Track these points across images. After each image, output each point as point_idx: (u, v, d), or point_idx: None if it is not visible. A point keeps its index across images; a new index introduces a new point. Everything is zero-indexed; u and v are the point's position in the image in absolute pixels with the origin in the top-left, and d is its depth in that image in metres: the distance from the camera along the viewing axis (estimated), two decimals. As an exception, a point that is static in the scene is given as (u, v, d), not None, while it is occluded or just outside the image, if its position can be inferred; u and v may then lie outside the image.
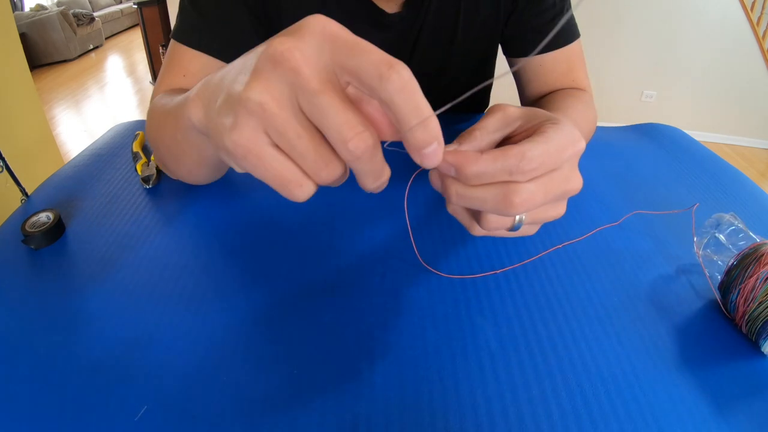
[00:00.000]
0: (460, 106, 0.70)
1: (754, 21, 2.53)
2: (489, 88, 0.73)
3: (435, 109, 0.22)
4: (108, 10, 5.43)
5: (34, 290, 0.38)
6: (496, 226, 0.28)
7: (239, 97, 0.21)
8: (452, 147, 0.28)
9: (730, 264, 0.35)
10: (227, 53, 0.49)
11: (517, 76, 0.62)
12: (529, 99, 0.61)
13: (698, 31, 2.62)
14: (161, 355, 0.32)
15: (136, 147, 0.56)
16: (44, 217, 0.43)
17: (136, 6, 3.18)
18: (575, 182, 0.27)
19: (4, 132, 1.59)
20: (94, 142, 0.62)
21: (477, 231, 0.30)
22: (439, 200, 0.49)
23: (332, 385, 0.30)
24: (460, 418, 0.28)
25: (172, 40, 0.50)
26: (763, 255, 0.34)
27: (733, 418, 0.29)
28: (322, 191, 0.24)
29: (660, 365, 0.32)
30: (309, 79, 0.20)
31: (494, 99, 0.74)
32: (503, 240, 0.43)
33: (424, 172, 0.29)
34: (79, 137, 2.87)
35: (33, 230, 0.41)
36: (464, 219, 0.30)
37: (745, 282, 0.33)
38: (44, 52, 4.17)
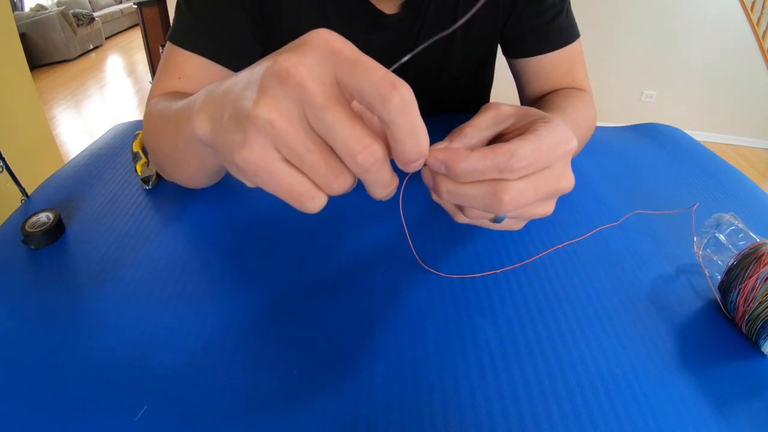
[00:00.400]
0: (460, 106, 0.71)
1: (754, 21, 2.53)
2: (489, 88, 0.73)
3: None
4: (108, 10, 5.44)
5: (34, 290, 0.38)
6: (479, 215, 0.29)
7: (248, 114, 0.21)
8: (443, 144, 0.29)
9: (730, 264, 0.35)
10: (223, 55, 0.49)
11: (517, 77, 0.62)
12: (529, 99, 0.61)
13: (698, 31, 2.62)
14: (161, 355, 0.32)
15: (136, 147, 0.56)
16: (44, 217, 0.43)
17: (136, 6, 3.19)
18: (567, 181, 0.28)
19: (4, 132, 1.59)
20: (94, 142, 0.62)
21: (461, 219, 0.31)
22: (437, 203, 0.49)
23: (332, 385, 0.30)
24: (460, 418, 0.28)
25: (167, 42, 0.50)
26: (763, 255, 0.34)
27: (733, 418, 0.29)
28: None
29: (660, 365, 0.32)
30: (315, 95, 0.20)
31: (494, 98, 0.74)
32: (503, 240, 0.43)
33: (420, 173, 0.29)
34: (79, 137, 2.87)
35: (33, 230, 0.41)
36: (449, 207, 0.31)
37: (745, 282, 0.33)
38: (44, 52, 4.17)
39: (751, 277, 0.33)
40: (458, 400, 0.29)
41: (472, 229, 0.45)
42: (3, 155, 0.48)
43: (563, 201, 0.35)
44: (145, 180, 0.50)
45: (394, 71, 0.21)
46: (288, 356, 0.32)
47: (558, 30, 0.56)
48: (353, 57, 0.20)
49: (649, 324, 0.35)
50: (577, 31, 0.57)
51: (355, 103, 0.22)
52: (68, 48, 4.29)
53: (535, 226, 0.45)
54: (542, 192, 0.26)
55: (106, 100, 3.53)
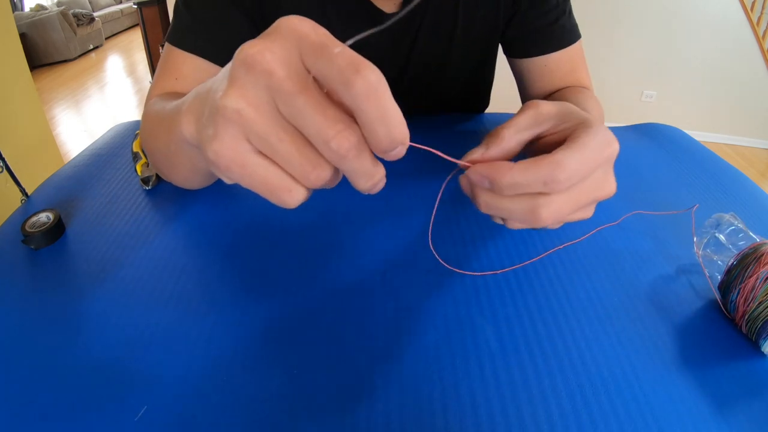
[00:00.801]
0: (460, 106, 0.71)
1: (754, 21, 2.53)
2: (489, 88, 0.73)
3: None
4: (108, 10, 5.43)
5: (34, 290, 0.38)
6: (520, 227, 0.28)
7: (217, 106, 0.20)
8: (479, 151, 0.28)
9: (730, 264, 0.35)
10: (221, 56, 0.49)
11: (520, 77, 0.62)
12: (531, 99, 0.61)
13: (698, 31, 2.62)
14: (161, 355, 0.32)
15: (136, 147, 0.56)
16: (44, 217, 0.43)
17: (136, 6, 3.18)
18: (608, 188, 0.27)
19: (4, 132, 1.59)
20: (94, 142, 0.62)
21: (497, 220, 0.30)
22: (440, 201, 0.49)
23: (332, 385, 0.30)
24: (460, 418, 0.28)
25: (166, 43, 0.50)
26: (763, 255, 0.34)
27: (733, 418, 0.29)
28: (319, 191, 0.23)
29: (660, 365, 0.32)
30: (283, 80, 0.19)
31: (494, 99, 0.74)
32: (504, 241, 0.43)
33: (447, 170, 0.28)
34: (79, 137, 2.87)
35: (33, 230, 0.41)
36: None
37: (745, 282, 0.33)
38: (44, 52, 4.16)
39: (751, 277, 0.33)
40: (458, 400, 0.29)
41: (473, 230, 0.45)
42: (3, 155, 0.48)
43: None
44: (145, 180, 0.50)
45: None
46: (288, 356, 0.32)
47: (561, 30, 0.56)
48: (319, 41, 0.19)
49: (649, 324, 0.35)
50: (579, 31, 0.58)
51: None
52: (68, 48, 4.29)
53: (535, 226, 0.45)
54: (582, 203, 0.26)
55: (106, 100, 3.53)
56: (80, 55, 4.51)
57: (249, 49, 0.20)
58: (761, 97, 2.74)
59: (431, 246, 0.42)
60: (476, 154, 0.28)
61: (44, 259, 0.41)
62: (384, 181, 0.22)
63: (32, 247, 0.41)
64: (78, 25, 4.45)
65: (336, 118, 0.20)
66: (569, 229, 0.45)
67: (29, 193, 0.50)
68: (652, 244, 0.44)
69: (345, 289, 0.38)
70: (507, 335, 0.34)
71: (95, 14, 4.95)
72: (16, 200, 0.49)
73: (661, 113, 2.89)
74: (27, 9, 4.52)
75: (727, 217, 0.39)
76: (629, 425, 0.28)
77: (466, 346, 0.33)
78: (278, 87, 0.19)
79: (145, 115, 0.45)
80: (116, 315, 0.35)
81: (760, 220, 0.48)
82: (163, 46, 0.51)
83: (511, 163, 0.25)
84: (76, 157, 0.58)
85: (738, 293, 0.34)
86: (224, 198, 0.49)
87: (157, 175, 0.51)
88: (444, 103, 0.67)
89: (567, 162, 0.24)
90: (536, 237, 0.44)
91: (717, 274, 0.37)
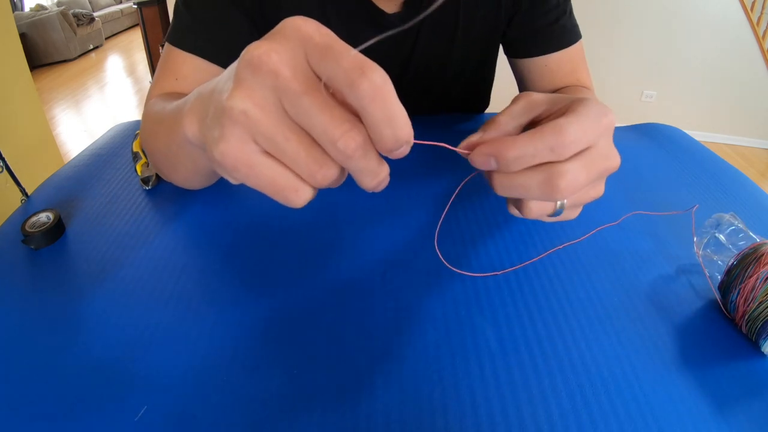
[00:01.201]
0: (460, 106, 0.71)
1: (754, 21, 2.53)
2: (489, 88, 0.73)
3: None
4: (108, 10, 5.43)
5: (34, 290, 0.38)
6: (538, 214, 0.28)
7: (223, 107, 0.20)
8: (476, 136, 0.28)
9: (730, 264, 0.35)
10: (221, 56, 0.49)
11: (521, 77, 0.63)
12: None
13: (698, 31, 2.62)
14: (161, 355, 0.32)
15: (136, 147, 0.56)
16: (44, 217, 0.43)
17: (136, 6, 3.18)
18: (614, 159, 0.27)
19: (4, 132, 1.59)
20: (94, 142, 0.62)
21: (514, 212, 0.30)
22: (440, 202, 0.49)
23: (332, 385, 0.30)
24: (460, 418, 0.28)
25: (166, 43, 0.50)
26: (763, 255, 0.34)
27: (733, 418, 0.29)
28: (319, 191, 0.23)
29: (660, 365, 0.32)
30: (289, 81, 0.20)
31: (494, 98, 0.74)
32: (504, 241, 0.43)
33: (458, 175, 0.28)
34: (79, 137, 2.87)
35: (33, 230, 0.41)
36: (509, 202, 0.30)
37: (745, 282, 0.33)
38: (44, 52, 4.17)
39: (751, 277, 0.33)
40: (458, 400, 0.29)
41: (473, 230, 0.45)
42: (3, 155, 0.48)
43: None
44: (145, 180, 0.50)
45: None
46: (288, 356, 0.32)
47: (562, 30, 0.56)
48: (324, 42, 0.20)
49: (649, 324, 0.35)
50: (579, 31, 0.58)
51: None
52: (68, 48, 4.29)
53: (535, 226, 0.45)
54: (594, 172, 0.26)
55: (106, 100, 3.53)
56: (80, 55, 4.51)
57: (255, 51, 0.20)
58: (761, 97, 2.74)
59: (436, 247, 0.42)
60: (474, 138, 0.28)
61: (44, 259, 0.41)
62: (388, 179, 0.22)
63: (32, 247, 0.41)
64: (78, 25, 4.45)
65: (342, 118, 0.20)
66: (569, 229, 0.45)
67: (29, 193, 0.50)
68: (652, 244, 0.44)
69: (345, 288, 0.38)
70: (507, 335, 0.34)
71: (95, 14, 4.95)
72: (16, 200, 0.49)
73: (661, 113, 2.89)
74: (27, 9, 4.52)
75: (727, 217, 0.39)
76: (629, 425, 0.28)
77: (466, 346, 0.33)
78: (284, 87, 0.20)
79: (145, 115, 0.45)
80: (116, 315, 0.35)
81: (760, 220, 0.48)
82: (163, 46, 0.51)
83: (514, 137, 0.25)
84: (76, 157, 0.58)
85: (738, 293, 0.34)
86: (224, 198, 0.49)
87: (157, 175, 0.51)
88: (444, 103, 0.67)
89: (568, 127, 0.24)
90: (536, 237, 0.44)
91: (717, 274, 0.37)
